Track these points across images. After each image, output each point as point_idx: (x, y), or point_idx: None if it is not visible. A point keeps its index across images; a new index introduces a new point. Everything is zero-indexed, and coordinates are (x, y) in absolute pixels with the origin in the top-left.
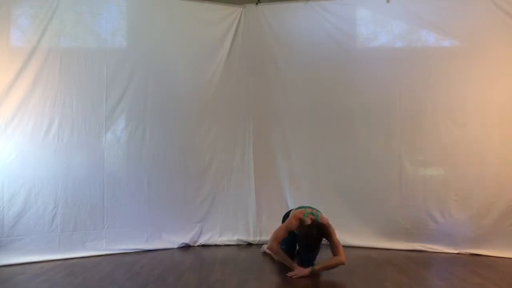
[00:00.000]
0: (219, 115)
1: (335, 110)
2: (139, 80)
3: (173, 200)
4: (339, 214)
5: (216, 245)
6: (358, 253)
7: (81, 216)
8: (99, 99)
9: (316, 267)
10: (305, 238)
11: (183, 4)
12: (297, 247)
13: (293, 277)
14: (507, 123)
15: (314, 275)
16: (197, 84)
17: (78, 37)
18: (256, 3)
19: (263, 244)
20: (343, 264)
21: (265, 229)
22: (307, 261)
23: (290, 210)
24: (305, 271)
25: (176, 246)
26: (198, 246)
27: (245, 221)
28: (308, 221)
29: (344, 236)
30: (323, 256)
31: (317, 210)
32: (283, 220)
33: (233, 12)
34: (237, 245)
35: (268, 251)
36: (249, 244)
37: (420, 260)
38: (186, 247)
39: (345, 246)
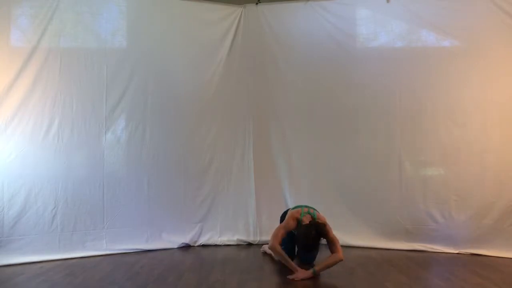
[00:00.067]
0: (219, 115)
1: (335, 110)
2: (139, 80)
3: (173, 200)
4: (339, 214)
5: (216, 245)
6: (358, 253)
7: (81, 216)
8: (99, 99)
9: (317, 268)
10: (303, 238)
11: (183, 4)
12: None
13: (294, 279)
14: (507, 123)
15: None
16: (197, 84)
17: (78, 37)
18: (256, 3)
19: (263, 244)
20: (341, 260)
21: (265, 229)
22: (306, 261)
23: (288, 210)
24: (307, 273)
25: (176, 246)
26: (198, 246)
27: (245, 221)
28: (306, 221)
29: (344, 236)
30: (323, 255)
31: (314, 209)
32: (281, 220)
33: (233, 12)
34: (237, 245)
35: (268, 251)
36: (249, 244)
37: (420, 260)
38: (186, 247)
39: (345, 246)
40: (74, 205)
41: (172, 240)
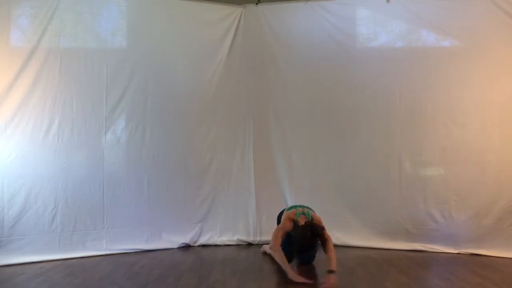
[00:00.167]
0: (219, 115)
1: (335, 110)
2: (139, 80)
3: (173, 200)
4: (339, 214)
5: (216, 245)
6: (358, 253)
7: (81, 216)
8: (99, 99)
9: (333, 268)
10: (299, 239)
11: (183, 4)
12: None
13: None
14: (507, 123)
15: (312, 276)
16: (197, 84)
17: (78, 37)
18: (256, 3)
19: (263, 244)
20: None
21: (265, 229)
22: (306, 261)
23: (283, 210)
24: (301, 278)
25: (176, 246)
26: (198, 246)
27: (245, 221)
28: (301, 222)
29: (344, 236)
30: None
31: (309, 209)
32: (278, 221)
33: (233, 12)
34: (237, 245)
35: (268, 251)
36: (249, 244)
37: (420, 260)
38: (186, 247)
39: (345, 246)
40: (74, 205)
41: (172, 240)
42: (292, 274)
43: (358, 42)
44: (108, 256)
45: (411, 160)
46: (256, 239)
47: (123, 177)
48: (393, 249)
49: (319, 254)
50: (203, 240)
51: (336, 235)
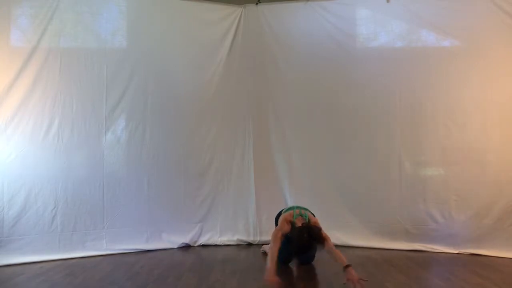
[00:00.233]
0: (219, 115)
1: (335, 110)
2: (139, 80)
3: (173, 200)
4: (339, 214)
5: (216, 245)
6: (358, 253)
7: (81, 216)
8: (99, 99)
9: (346, 262)
10: (297, 241)
11: (183, 4)
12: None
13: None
14: (507, 123)
15: (312, 276)
16: (197, 84)
17: (78, 37)
18: (256, 3)
19: (263, 244)
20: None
21: (265, 229)
22: (305, 261)
23: (281, 211)
24: (277, 283)
25: (176, 246)
26: (198, 246)
27: (245, 221)
28: (299, 223)
29: (344, 236)
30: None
31: (305, 210)
32: (276, 222)
33: (233, 12)
34: (237, 245)
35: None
36: (249, 244)
37: (420, 260)
38: (186, 247)
39: (345, 246)
40: (74, 205)
41: (172, 240)
42: (268, 274)
43: (358, 42)
44: (108, 256)
45: (411, 160)
46: (256, 239)
47: (123, 177)
48: (393, 249)
49: (319, 254)
50: (203, 240)
51: (336, 235)
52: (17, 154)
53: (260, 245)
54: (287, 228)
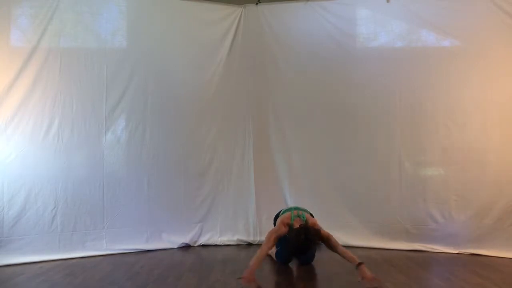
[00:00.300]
0: (219, 115)
1: (335, 110)
2: (139, 80)
3: (173, 200)
4: (339, 214)
5: (216, 245)
6: (358, 253)
7: (81, 216)
8: (99, 99)
9: (357, 260)
10: (294, 242)
11: (183, 4)
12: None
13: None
14: (507, 123)
15: (312, 276)
16: (197, 84)
17: (78, 37)
18: (256, 3)
19: None
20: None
21: (265, 229)
22: (305, 261)
23: (280, 212)
24: (252, 284)
25: (176, 246)
26: (198, 246)
27: (245, 221)
28: (296, 225)
29: (344, 236)
30: (323, 254)
31: (304, 211)
32: (274, 222)
33: (233, 12)
34: (237, 245)
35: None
36: (249, 244)
37: (420, 260)
38: (186, 247)
39: (345, 246)
40: (74, 205)
41: (172, 240)
42: (246, 273)
43: (358, 42)
44: (108, 256)
45: (411, 160)
46: (256, 239)
47: (123, 177)
48: (393, 249)
49: (319, 254)
50: (203, 240)
51: (336, 235)
52: (17, 154)
53: (260, 245)
54: (283, 230)
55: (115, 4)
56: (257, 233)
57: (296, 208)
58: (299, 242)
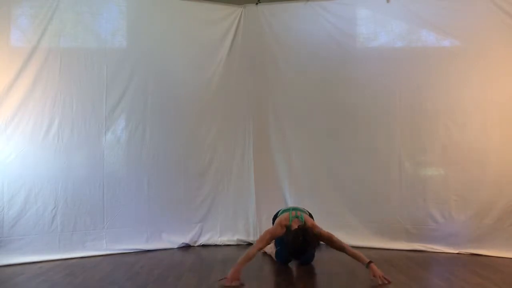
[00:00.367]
0: (219, 115)
1: (335, 110)
2: (139, 80)
3: (173, 200)
4: (339, 214)
5: (216, 245)
6: None
7: (81, 216)
8: (99, 99)
9: (366, 259)
10: (292, 244)
11: (183, 4)
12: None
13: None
14: (507, 123)
15: (312, 276)
16: (197, 84)
17: (78, 37)
18: (256, 3)
19: None
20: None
21: (265, 229)
22: (305, 261)
23: (278, 212)
24: (236, 280)
25: (176, 246)
26: (198, 246)
27: (245, 221)
28: (295, 226)
29: (344, 236)
30: (324, 254)
31: (302, 211)
32: (273, 222)
33: (233, 12)
34: (237, 245)
35: (268, 251)
36: (249, 244)
37: (420, 260)
38: (186, 247)
39: None
40: (74, 205)
41: (172, 240)
42: (231, 272)
43: (358, 42)
44: (108, 256)
45: (411, 160)
46: (256, 239)
47: (123, 177)
48: (393, 249)
49: (319, 254)
50: (203, 240)
51: (336, 235)
52: (17, 154)
53: None
54: (280, 231)
55: (115, 4)
56: (257, 233)
57: (294, 209)
58: (296, 244)
